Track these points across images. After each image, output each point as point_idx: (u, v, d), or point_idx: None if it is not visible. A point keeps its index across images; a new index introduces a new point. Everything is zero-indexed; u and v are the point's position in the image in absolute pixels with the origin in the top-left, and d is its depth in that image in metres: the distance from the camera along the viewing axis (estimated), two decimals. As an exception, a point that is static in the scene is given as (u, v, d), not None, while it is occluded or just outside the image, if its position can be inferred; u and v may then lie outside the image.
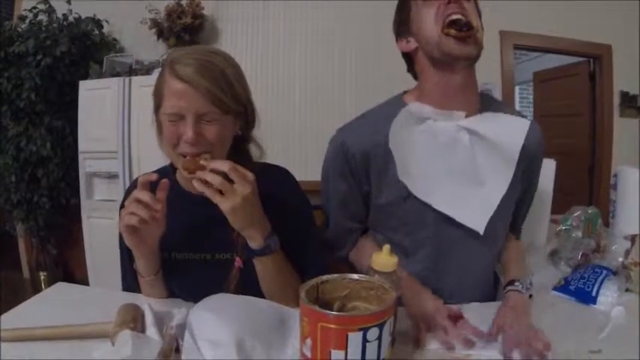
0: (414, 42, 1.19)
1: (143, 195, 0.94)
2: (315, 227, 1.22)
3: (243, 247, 1.05)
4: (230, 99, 1.00)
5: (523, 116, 1.28)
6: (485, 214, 1.18)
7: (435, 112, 1.17)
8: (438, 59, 1.14)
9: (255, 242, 1.01)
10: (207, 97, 0.96)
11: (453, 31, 1.09)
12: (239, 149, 1.13)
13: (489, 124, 1.18)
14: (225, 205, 0.93)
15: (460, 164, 1.17)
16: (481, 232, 1.18)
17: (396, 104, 1.24)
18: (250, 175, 0.95)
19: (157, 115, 1.05)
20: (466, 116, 1.17)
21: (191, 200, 1.11)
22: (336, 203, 1.30)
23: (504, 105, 1.32)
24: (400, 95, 1.29)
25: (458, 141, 1.17)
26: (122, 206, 1.20)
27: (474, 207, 1.18)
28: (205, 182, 0.92)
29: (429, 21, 1.13)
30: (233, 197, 0.92)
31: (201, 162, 0.95)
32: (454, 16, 1.08)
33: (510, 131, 1.19)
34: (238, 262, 1.09)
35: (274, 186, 1.14)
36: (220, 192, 0.92)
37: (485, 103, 1.24)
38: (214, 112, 0.98)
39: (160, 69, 3.05)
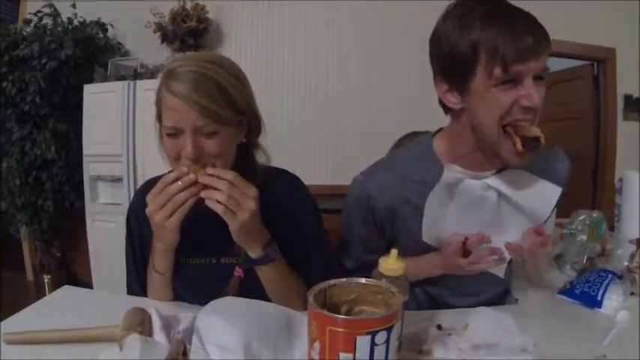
0: (461, 102, 1.05)
1: (176, 185, 0.96)
2: (323, 232, 1.22)
3: (245, 256, 1.06)
4: (227, 110, 0.99)
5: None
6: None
7: (466, 172, 1.12)
8: (485, 146, 1.05)
9: (254, 252, 1.03)
10: (201, 112, 0.96)
11: (519, 144, 0.98)
12: (244, 157, 1.13)
13: (519, 186, 1.12)
14: (234, 222, 0.95)
15: (486, 218, 1.14)
16: (501, 276, 1.20)
17: (426, 159, 1.18)
18: (253, 191, 0.96)
19: (159, 125, 1.05)
20: (497, 171, 1.13)
21: (198, 204, 1.11)
22: (357, 240, 1.28)
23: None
24: (429, 140, 1.21)
25: (486, 199, 1.13)
26: (129, 212, 1.21)
27: None
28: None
29: (493, 107, 0.98)
30: (241, 214, 0.94)
31: (208, 172, 0.96)
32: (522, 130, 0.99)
33: (540, 199, 1.13)
34: (238, 272, 1.10)
35: (284, 192, 1.15)
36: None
37: None
38: (211, 125, 0.97)
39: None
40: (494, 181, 1.12)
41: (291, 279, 1.10)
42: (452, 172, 1.11)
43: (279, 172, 1.20)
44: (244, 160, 1.13)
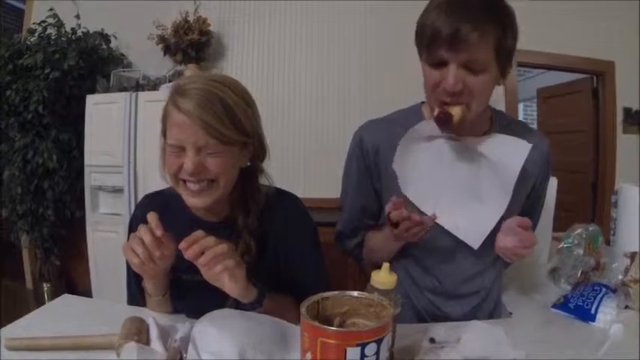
0: None
1: (146, 236, 0.94)
2: (320, 253, 1.23)
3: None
4: (232, 131, 1.00)
5: (529, 131, 1.30)
6: (482, 231, 1.21)
7: (443, 134, 1.19)
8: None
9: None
10: (205, 129, 0.96)
11: (436, 110, 1.10)
12: (248, 181, 1.14)
13: (493, 145, 1.19)
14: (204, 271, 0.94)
15: (463, 181, 1.20)
16: (475, 247, 1.23)
17: (413, 113, 1.28)
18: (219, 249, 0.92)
19: (163, 141, 1.06)
20: (474, 135, 1.19)
21: (198, 224, 1.12)
22: (350, 199, 1.35)
23: (515, 124, 1.32)
24: (419, 105, 1.31)
25: (462, 160, 1.19)
26: (131, 224, 1.22)
27: (472, 223, 1.21)
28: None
29: (426, 81, 1.12)
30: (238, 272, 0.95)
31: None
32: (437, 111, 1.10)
33: (511, 154, 1.19)
34: None
35: (284, 214, 1.17)
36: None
37: (499, 123, 1.25)
38: (214, 145, 0.98)
39: (166, 85, 3.08)
40: (470, 142, 1.19)
41: (285, 307, 1.08)
42: (429, 125, 1.18)
43: (279, 193, 1.21)
44: (248, 185, 1.14)
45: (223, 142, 0.99)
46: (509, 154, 1.19)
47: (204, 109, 0.96)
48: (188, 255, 0.89)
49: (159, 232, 0.94)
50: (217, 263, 0.91)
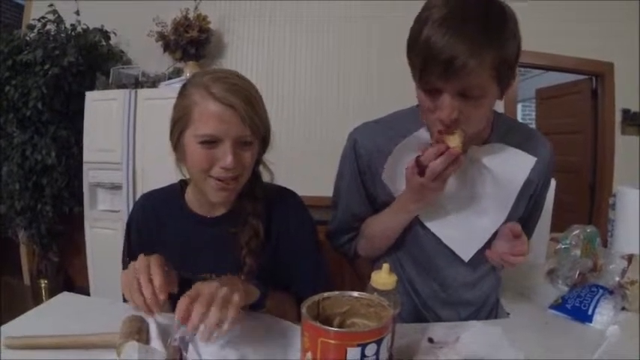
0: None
1: (147, 291, 0.85)
2: (319, 246, 1.23)
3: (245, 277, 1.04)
4: (260, 121, 1.00)
5: (532, 134, 1.27)
6: (475, 244, 1.20)
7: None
8: None
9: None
10: (244, 120, 0.96)
11: (434, 144, 1.02)
12: (252, 173, 1.13)
13: (495, 156, 1.15)
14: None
15: (461, 192, 1.16)
16: (466, 259, 1.21)
17: (411, 117, 1.20)
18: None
19: (181, 138, 1.03)
20: (475, 143, 1.14)
21: (197, 221, 1.12)
22: (343, 201, 1.32)
23: (517, 128, 1.26)
24: (418, 107, 1.21)
25: (462, 170, 1.12)
26: (129, 224, 1.21)
27: (466, 235, 1.20)
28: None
29: (421, 107, 1.04)
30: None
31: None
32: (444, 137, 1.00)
33: (515, 168, 1.16)
34: None
35: (285, 212, 1.17)
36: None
37: (500, 128, 1.20)
38: (249, 136, 0.98)
39: (165, 82, 3.00)
40: (471, 152, 1.13)
41: (286, 307, 1.08)
42: (426, 133, 1.13)
43: (279, 189, 1.21)
44: (252, 177, 1.13)
45: (255, 132, 1.00)
46: (512, 167, 1.16)
47: (239, 98, 0.96)
48: (190, 329, 0.79)
49: (162, 297, 0.86)
50: (222, 308, 0.80)
